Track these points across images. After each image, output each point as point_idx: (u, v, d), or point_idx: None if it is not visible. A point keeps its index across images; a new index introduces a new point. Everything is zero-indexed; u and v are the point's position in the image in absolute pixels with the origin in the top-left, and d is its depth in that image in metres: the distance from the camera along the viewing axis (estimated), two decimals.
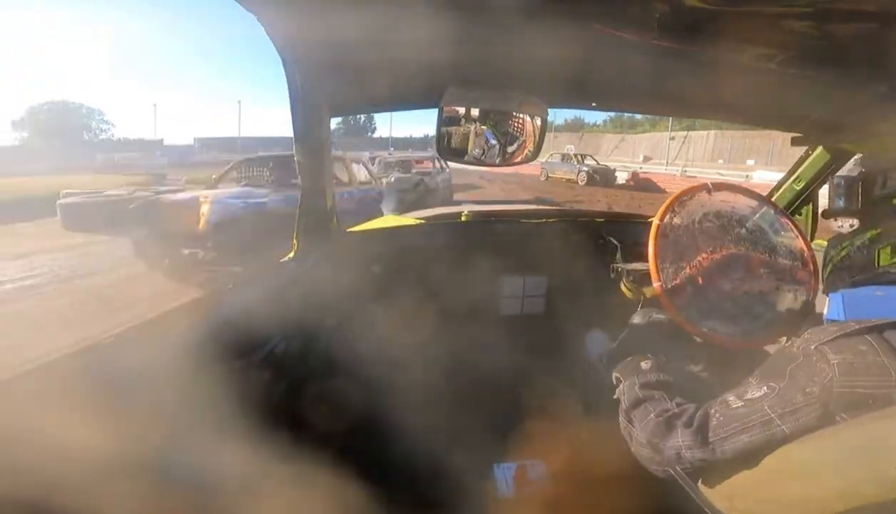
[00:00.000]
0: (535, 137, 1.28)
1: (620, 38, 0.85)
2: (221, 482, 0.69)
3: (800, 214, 1.59)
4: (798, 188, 1.55)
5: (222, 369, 0.80)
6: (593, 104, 1.48)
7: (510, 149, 1.29)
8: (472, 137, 1.27)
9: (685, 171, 18.15)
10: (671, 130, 21.21)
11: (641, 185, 17.67)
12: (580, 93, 1.34)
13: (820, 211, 1.46)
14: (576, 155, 19.42)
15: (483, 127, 1.26)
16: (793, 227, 1.10)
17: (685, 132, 20.19)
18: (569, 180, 17.73)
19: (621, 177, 18.58)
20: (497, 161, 1.31)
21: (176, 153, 31.37)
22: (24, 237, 7.99)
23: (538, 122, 1.27)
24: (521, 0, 0.78)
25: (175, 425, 0.69)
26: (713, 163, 18.99)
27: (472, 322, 1.46)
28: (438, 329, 1.36)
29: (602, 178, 17.46)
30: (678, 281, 0.98)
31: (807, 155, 1.51)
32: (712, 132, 19.48)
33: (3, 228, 8.60)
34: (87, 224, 7.53)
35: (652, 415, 0.83)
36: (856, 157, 1.25)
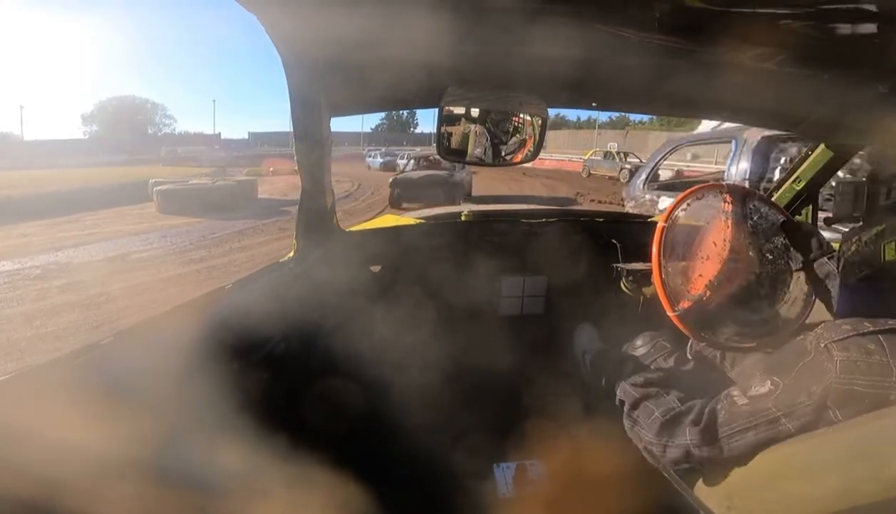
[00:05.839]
0: (535, 136, 1.28)
1: (621, 38, 0.85)
2: (221, 482, 0.69)
3: (800, 215, 1.59)
4: (798, 188, 1.55)
5: (222, 369, 0.80)
6: (593, 104, 1.47)
7: (510, 149, 1.29)
8: (472, 137, 1.26)
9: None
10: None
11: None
12: (580, 93, 1.33)
13: (822, 219, 1.45)
14: (618, 153, 19.35)
15: (483, 127, 1.26)
16: None
17: None
18: (610, 177, 17.68)
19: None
20: (497, 161, 1.31)
21: (232, 146, 33.46)
22: (132, 218, 9.75)
23: (538, 121, 1.27)
24: (521, 0, 0.78)
25: (175, 425, 0.69)
26: None
27: (471, 322, 1.46)
28: (438, 329, 1.36)
29: None
30: (681, 287, 0.98)
31: (807, 155, 1.51)
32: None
33: (113, 210, 10.39)
34: (179, 208, 9.65)
35: (657, 413, 0.83)
36: (856, 163, 1.25)
